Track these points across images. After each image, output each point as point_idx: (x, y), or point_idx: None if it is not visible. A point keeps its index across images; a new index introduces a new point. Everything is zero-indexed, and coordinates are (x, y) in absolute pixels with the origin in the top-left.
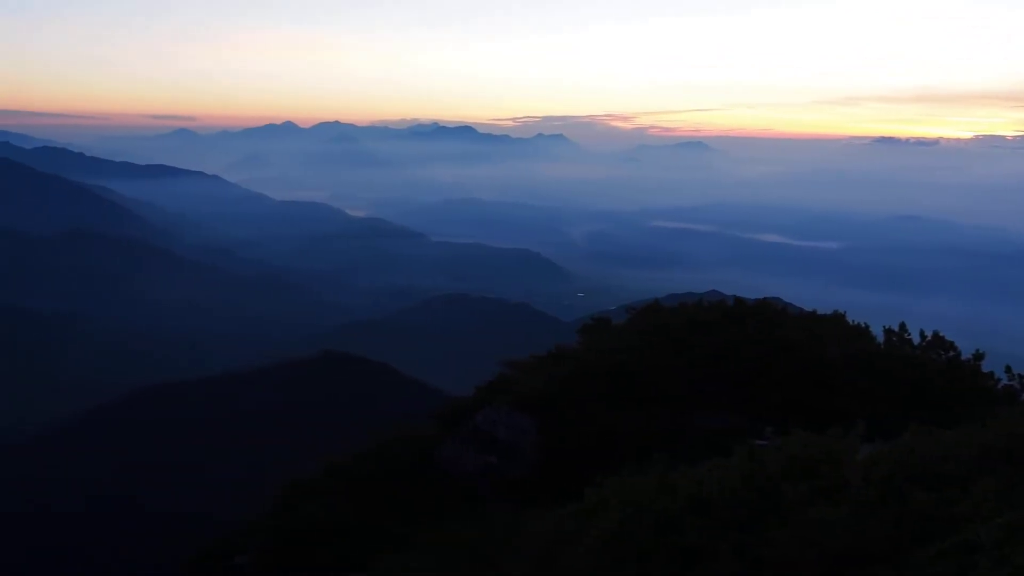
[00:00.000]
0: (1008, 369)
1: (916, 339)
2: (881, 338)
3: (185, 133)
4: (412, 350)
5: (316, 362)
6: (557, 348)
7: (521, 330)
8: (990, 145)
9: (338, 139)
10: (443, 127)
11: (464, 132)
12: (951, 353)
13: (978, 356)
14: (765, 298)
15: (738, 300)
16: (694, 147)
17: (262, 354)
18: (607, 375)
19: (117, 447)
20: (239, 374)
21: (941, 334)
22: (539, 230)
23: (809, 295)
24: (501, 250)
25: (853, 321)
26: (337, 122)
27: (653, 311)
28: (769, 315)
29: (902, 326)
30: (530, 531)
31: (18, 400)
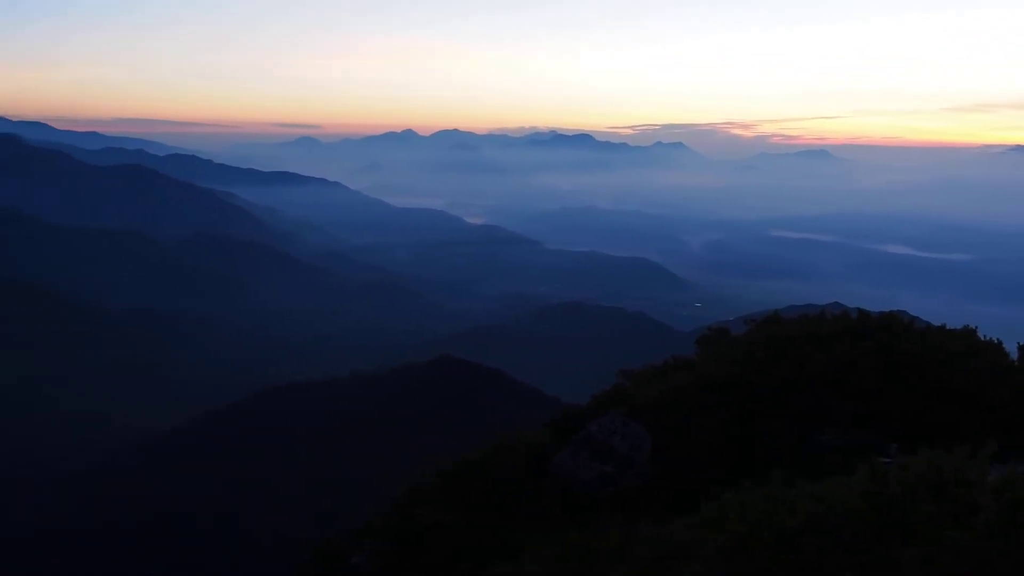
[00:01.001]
0: None
1: None
2: (1015, 355)
3: (309, 141)
4: (527, 357)
5: (432, 367)
6: (674, 359)
7: (637, 340)
8: None
9: (457, 147)
10: (561, 135)
11: (582, 140)
12: None
13: None
14: (890, 311)
15: (862, 313)
16: (817, 155)
17: (379, 359)
18: (724, 387)
19: (235, 448)
20: (356, 378)
21: None
22: (656, 239)
23: (937, 309)
24: (618, 259)
25: (985, 336)
26: (456, 130)
27: (773, 323)
28: (894, 329)
29: None
30: (644, 543)
31: (144, 396)
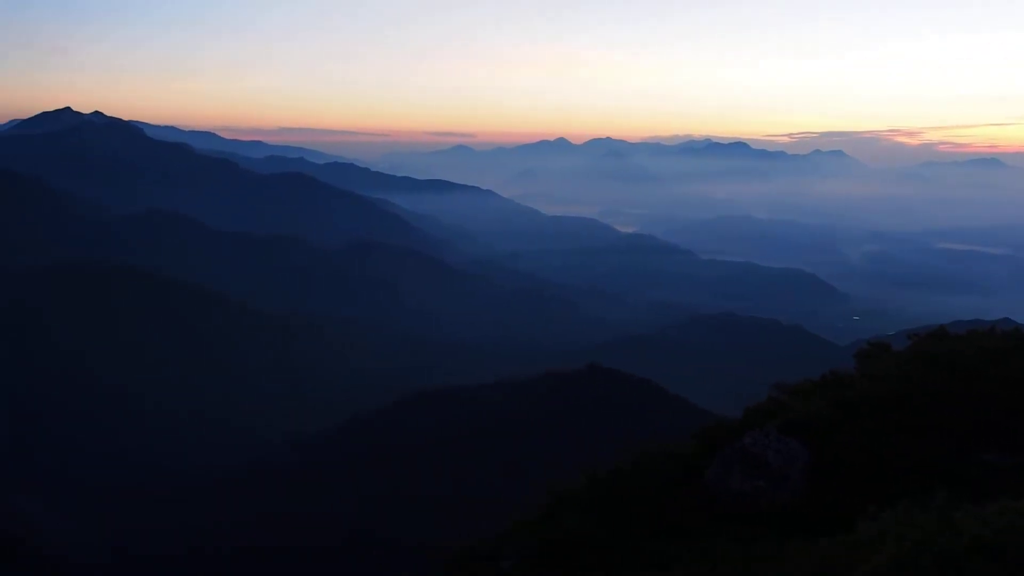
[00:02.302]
0: None
1: None
2: None
3: (463, 149)
4: (677, 368)
5: (581, 375)
6: (831, 373)
7: (792, 353)
8: None
9: (610, 155)
10: (716, 143)
11: (737, 148)
12: None
13: None
14: None
15: None
16: (987, 164)
17: (528, 366)
18: (885, 404)
19: (382, 452)
20: (504, 385)
21: None
22: (814, 249)
23: None
24: (773, 269)
25: None
26: (609, 138)
27: (938, 338)
28: None
29: None
30: (795, 560)
31: (296, 398)
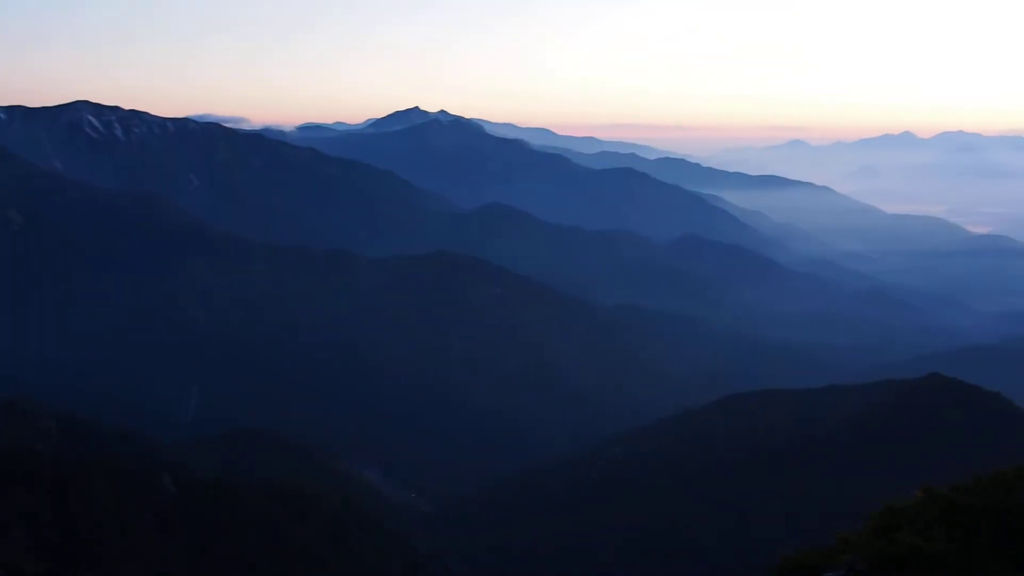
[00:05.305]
0: None
1: None
2: None
3: (798, 144)
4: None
5: (921, 385)
6: None
7: None
8: None
9: (961, 150)
10: None
11: None
12: None
13: None
14: None
15: None
16: None
17: (859, 372)
18: None
19: (706, 445)
20: (833, 390)
21: None
22: None
23: None
24: None
25: None
26: (961, 131)
27: None
28: None
29: None
30: None
31: (622, 390)
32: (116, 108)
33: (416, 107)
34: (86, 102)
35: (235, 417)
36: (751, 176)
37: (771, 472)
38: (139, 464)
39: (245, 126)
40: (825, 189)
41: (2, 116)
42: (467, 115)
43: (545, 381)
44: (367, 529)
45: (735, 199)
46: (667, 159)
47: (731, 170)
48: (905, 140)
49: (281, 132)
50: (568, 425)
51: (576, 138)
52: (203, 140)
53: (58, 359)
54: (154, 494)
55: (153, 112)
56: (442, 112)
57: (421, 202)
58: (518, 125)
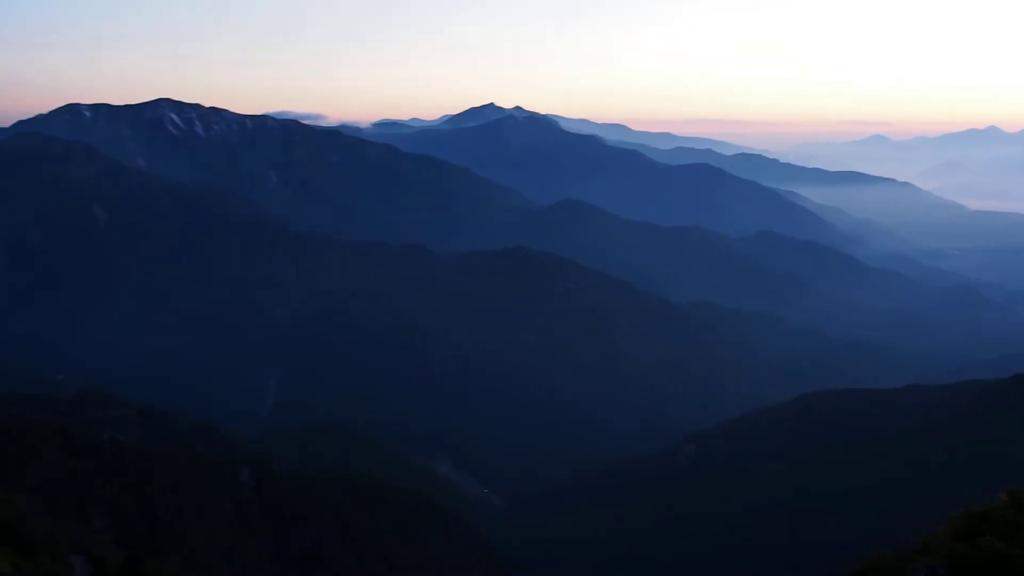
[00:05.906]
0: None
1: None
2: None
3: (879, 139)
4: None
5: (1005, 386)
6: None
7: None
8: None
9: None
10: None
11: None
12: None
13: None
14: None
15: None
16: None
17: (942, 371)
18: None
19: (782, 443)
20: (913, 389)
21: None
22: None
23: None
24: None
25: None
26: None
27: None
28: None
29: None
30: None
31: (695, 389)
32: (196, 106)
33: (491, 103)
34: (168, 100)
35: (312, 411)
36: (830, 172)
37: (848, 472)
38: (218, 456)
39: (322, 123)
40: (907, 185)
41: (87, 114)
42: (542, 111)
43: (619, 375)
44: (440, 521)
45: (813, 195)
46: (744, 155)
47: (810, 166)
48: (991, 134)
49: (357, 129)
50: (642, 420)
51: (652, 134)
52: (281, 137)
53: (139, 351)
54: (233, 486)
55: (232, 109)
56: (517, 108)
57: (496, 198)
58: (593, 121)
